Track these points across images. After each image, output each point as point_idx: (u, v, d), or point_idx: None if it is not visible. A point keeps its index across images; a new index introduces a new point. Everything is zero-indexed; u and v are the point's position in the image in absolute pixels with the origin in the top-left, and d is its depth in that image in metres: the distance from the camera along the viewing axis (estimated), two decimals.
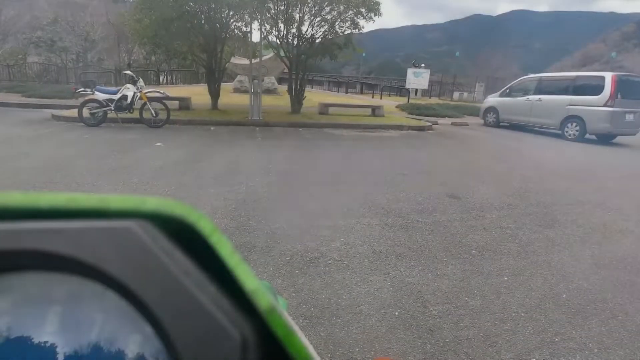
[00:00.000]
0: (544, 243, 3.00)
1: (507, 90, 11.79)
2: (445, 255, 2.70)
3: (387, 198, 3.89)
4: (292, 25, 10.13)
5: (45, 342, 0.17)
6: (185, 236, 0.18)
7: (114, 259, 0.16)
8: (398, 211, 3.52)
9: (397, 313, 2.00)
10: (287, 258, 2.51)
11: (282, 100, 13.97)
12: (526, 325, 1.95)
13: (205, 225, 0.18)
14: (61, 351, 0.17)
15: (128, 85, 7.63)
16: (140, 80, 7.85)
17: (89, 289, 0.17)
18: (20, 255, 0.16)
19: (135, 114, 7.76)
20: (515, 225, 3.33)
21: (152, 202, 0.18)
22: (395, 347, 1.75)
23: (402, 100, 17.63)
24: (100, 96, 7.48)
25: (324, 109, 11.52)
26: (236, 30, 10.34)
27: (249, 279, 0.17)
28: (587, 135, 9.51)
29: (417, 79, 21.43)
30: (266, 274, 2.30)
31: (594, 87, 9.26)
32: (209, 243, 0.18)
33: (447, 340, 1.81)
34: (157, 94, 8.23)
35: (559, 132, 10.01)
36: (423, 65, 24.55)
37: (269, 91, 15.82)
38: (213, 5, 9.14)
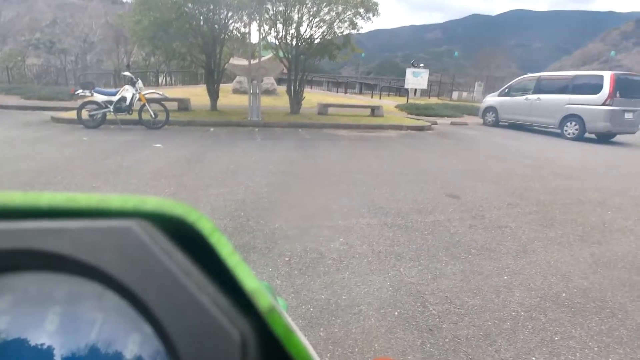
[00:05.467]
0: (544, 242, 3.00)
1: (506, 90, 11.81)
2: (444, 255, 2.70)
3: (386, 198, 3.89)
4: (290, 25, 10.15)
5: (45, 342, 0.17)
6: (185, 236, 0.18)
7: (114, 259, 0.16)
8: (397, 211, 3.52)
9: (396, 313, 2.00)
10: (286, 259, 2.51)
11: (281, 100, 13.98)
12: (526, 324, 1.95)
13: (204, 225, 0.18)
14: (61, 351, 0.17)
15: (127, 87, 7.63)
16: (139, 81, 7.84)
17: (88, 288, 0.17)
18: (20, 255, 0.16)
19: (135, 116, 7.76)
20: (514, 225, 3.33)
21: (152, 202, 0.18)
22: (395, 346, 1.75)
23: (402, 100, 17.65)
24: (99, 98, 7.48)
25: (323, 109, 11.53)
26: (235, 31, 10.37)
27: (248, 278, 0.17)
28: (587, 134, 9.52)
29: (416, 79, 21.46)
30: (265, 274, 2.30)
31: (593, 86, 9.27)
32: (209, 243, 0.18)
33: (447, 339, 1.81)
34: (156, 96, 8.23)
35: (558, 131, 10.02)
36: (422, 65, 24.59)
37: (268, 92, 15.83)
38: (211, 6, 9.15)
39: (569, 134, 9.70)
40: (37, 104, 10.89)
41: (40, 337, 0.17)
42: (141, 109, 7.70)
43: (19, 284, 0.18)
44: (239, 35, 10.51)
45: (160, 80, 23.77)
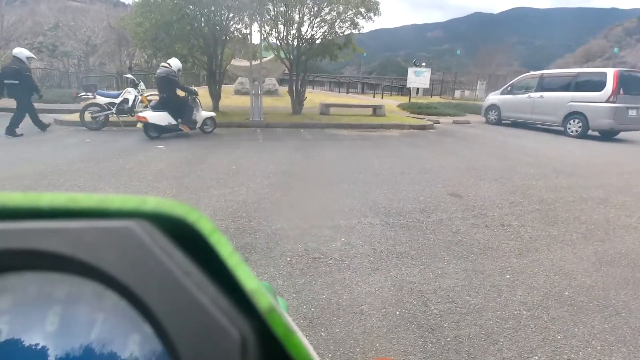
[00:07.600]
0: (546, 240, 2.99)
1: (509, 88, 11.75)
2: (446, 254, 2.69)
3: (388, 197, 3.88)
4: (291, 26, 10.15)
5: (46, 342, 0.17)
6: (185, 236, 0.18)
7: (114, 259, 0.16)
8: (399, 210, 3.51)
9: (398, 312, 1.99)
10: (288, 259, 2.51)
11: (283, 101, 13.99)
12: (528, 323, 1.94)
13: (204, 225, 0.18)
14: (61, 351, 0.17)
15: (129, 89, 7.67)
16: (142, 83, 7.89)
17: (88, 288, 0.17)
18: (20, 255, 0.16)
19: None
20: (517, 223, 3.32)
21: (152, 202, 0.18)
22: (396, 346, 1.75)
23: (404, 100, 17.60)
24: (101, 100, 7.53)
25: (325, 109, 11.53)
26: (236, 32, 10.37)
27: (248, 279, 0.17)
28: (590, 132, 9.46)
29: (418, 78, 21.40)
30: (267, 275, 2.30)
31: (596, 83, 9.20)
32: (209, 243, 0.18)
33: (449, 339, 1.80)
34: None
35: (562, 129, 9.96)
36: (424, 64, 24.55)
37: (270, 92, 15.85)
38: (212, 8, 9.17)
39: (572, 132, 9.64)
40: (40, 107, 10.86)
41: (40, 337, 0.17)
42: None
43: (19, 284, 0.18)
44: (240, 36, 10.52)
45: None
